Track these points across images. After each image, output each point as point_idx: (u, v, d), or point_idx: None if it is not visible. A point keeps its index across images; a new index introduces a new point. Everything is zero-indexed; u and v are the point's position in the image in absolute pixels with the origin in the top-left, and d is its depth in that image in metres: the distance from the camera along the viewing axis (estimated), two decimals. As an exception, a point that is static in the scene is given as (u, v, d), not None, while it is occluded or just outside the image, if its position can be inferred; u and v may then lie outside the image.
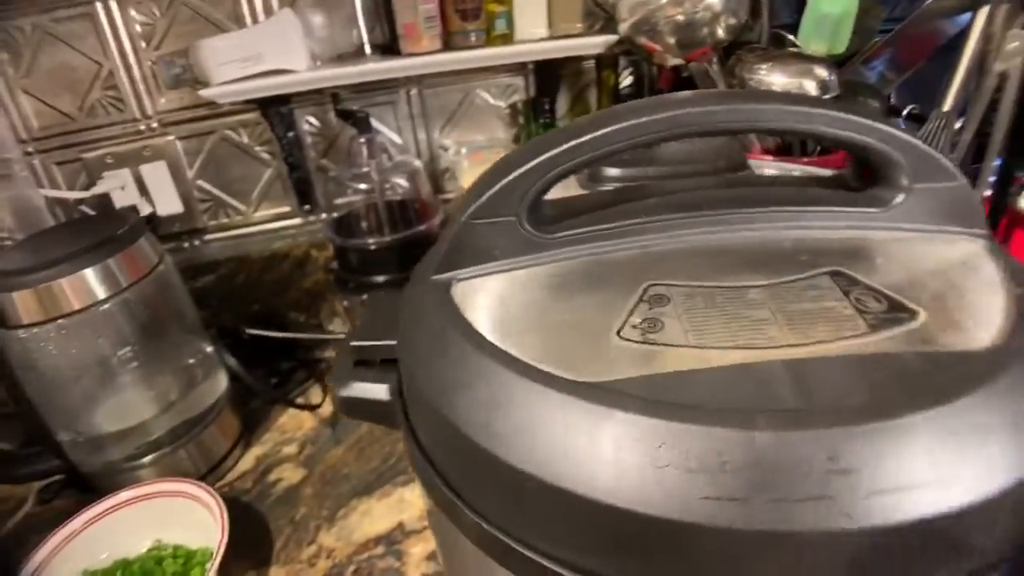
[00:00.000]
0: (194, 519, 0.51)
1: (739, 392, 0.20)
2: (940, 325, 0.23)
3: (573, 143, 0.27)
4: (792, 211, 0.28)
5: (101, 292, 0.51)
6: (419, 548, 0.51)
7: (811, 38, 0.68)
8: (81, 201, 0.73)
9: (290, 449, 0.64)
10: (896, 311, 0.23)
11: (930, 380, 0.20)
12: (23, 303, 0.49)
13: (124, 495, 0.53)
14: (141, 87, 0.71)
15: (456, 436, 0.22)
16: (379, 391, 0.30)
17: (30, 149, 0.72)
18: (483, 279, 0.28)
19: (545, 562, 0.21)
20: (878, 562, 0.18)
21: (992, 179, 0.65)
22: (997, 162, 0.65)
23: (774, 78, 0.59)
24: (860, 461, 0.18)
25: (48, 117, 0.71)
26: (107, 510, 0.53)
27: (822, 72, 0.59)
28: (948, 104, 0.66)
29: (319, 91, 0.72)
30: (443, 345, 0.25)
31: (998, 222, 0.65)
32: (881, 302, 0.24)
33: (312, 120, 0.76)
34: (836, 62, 0.70)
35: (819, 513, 0.18)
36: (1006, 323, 0.22)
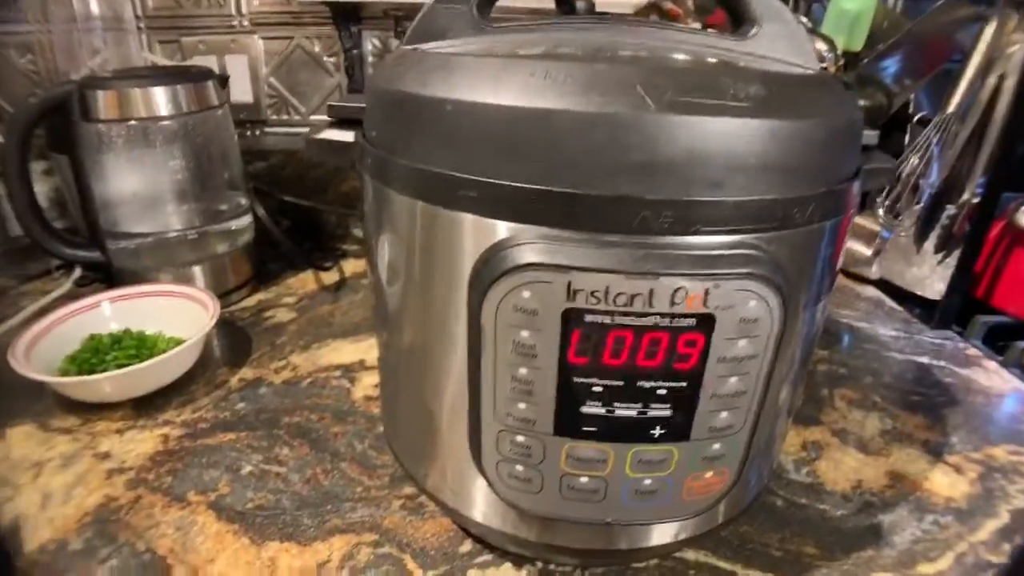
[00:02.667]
0: (195, 320, 0.59)
1: (594, 54, 0.27)
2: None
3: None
4: (676, 31, 0.34)
5: (166, 109, 0.61)
6: (369, 379, 0.58)
7: (831, 32, 0.73)
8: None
9: (289, 299, 0.73)
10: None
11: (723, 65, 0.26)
12: (105, 102, 0.59)
13: (143, 288, 0.63)
14: (241, -13, 0.84)
15: (400, 100, 0.29)
16: (345, 135, 0.38)
17: (141, 25, 0.85)
18: (440, 47, 0.35)
19: (456, 174, 0.27)
20: (669, 149, 0.24)
21: (979, 189, 0.68)
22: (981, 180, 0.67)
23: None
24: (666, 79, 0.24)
25: (160, 0, 0.84)
26: (125, 295, 0.62)
27: (821, 44, 0.64)
28: (951, 107, 0.70)
29: (386, 15, 0.82)
30: (399, 59, 0.32)
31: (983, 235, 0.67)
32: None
33: (376, 41, 0.86)
34: (853, 57, 0.75)
35: (632, 102, 0.24)
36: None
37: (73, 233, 0.70)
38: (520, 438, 0.29)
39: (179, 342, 0.59)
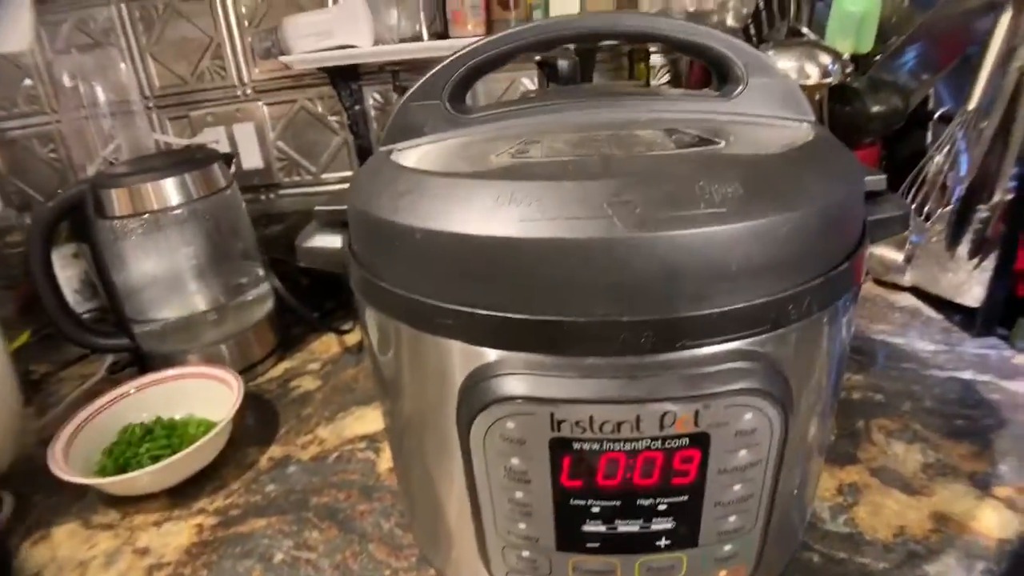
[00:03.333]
0: (223, 400, 0.61)
1: (562, 169, 0.27)
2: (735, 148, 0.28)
3: (484, 43, 0.34)
4: (656, 98, 0.33)
5: (176, 199, 0.63)
6: (396, 447, 0.58)
7: (837, 36, 0.70)
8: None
9: (314, 366, 0.74)
10: (705, 143, 0.28)
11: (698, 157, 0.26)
12: (118, 199, 0.61)
13: (170, 372, 0.65)
14: (240, 59, 0.86)
15: (375, 224, 0.29)
16: (334, 241, 0.38)
17: (150, 104, 0.88)
18: (415, 147, 0.35)
19: (432, 302, 0.27)
20: (644, 268, 0.24)
21: (1012, 184, 0.64)
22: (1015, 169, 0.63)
23: (778, 60, 0.62)
24: (635, 194, 0.24)
25: (167, 79, 0.87)
26: (152, 382, 0.64)
27: (825, 58, 0.62)
28: (973, 102, 0.66)
29: (382, 70, 0.83)
30: (373, 173, 0.32)
31: (1019, 234, 0.63)
32: (694, 139, 0.29)
33: (376, 96, 0.87)
34: (863, 59, 0.72)
35: (601, 225, 0.23)
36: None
37: (104, 313, 0.72)
38: (526, 552, 0.29)
39: (209, 424, 0.61)
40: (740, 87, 0.33)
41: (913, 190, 0.72)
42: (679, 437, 0.24)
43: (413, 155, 0.34)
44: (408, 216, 0.27)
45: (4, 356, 0.57)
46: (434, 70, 0.35)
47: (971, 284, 0.69)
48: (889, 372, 0.63)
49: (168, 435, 0.58)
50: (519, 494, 0.27)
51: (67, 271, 0.88)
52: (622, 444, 0.25)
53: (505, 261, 0.25)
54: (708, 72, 0.76)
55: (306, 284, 0.85)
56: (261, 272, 0.74)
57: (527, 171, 0.27)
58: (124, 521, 0.54)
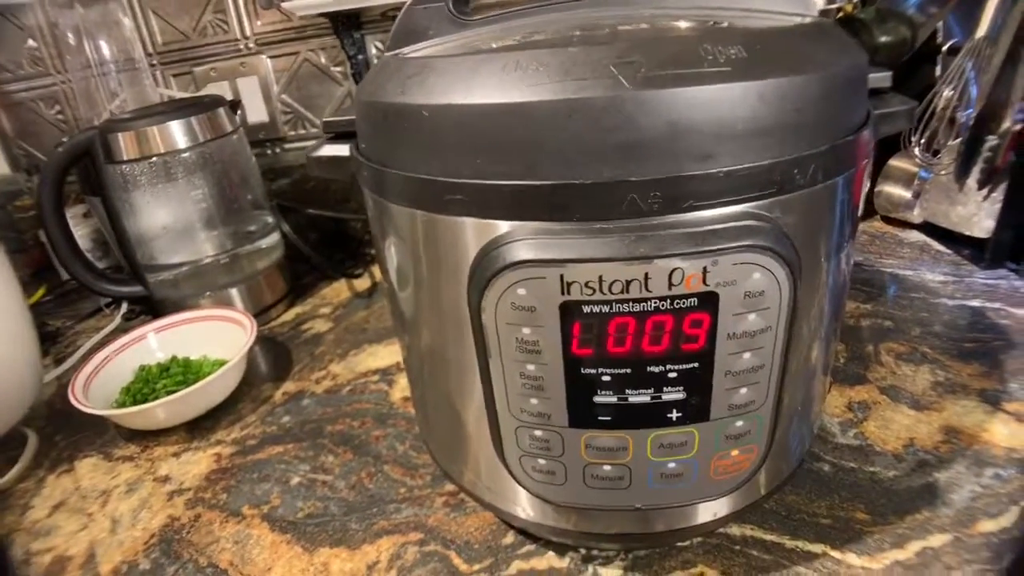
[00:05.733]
0: (237, 341, 0.61)
1: (567, 40, 0.27)
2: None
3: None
4: None
5: (183, 142, 0.63)
6: (406, 380, 0.59)
7: (844, -32, 0.69)
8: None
9: (325, 310, 0.75)
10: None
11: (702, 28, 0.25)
12: (125, 143, 0.62)
13: (186, 315, 0.65)
14: (243, 11, 0.85)
15: (382, 110, 0.29)
16: (342, 149, 0.38)
17: (153, 61, 0.88)
18: (420, 49, 0.35)
19: (442, 179, 0.27)
20: (650, 126, 0.24)
21: (1021, 113, 0.63)
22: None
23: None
24: (640, 55, 0.24)
25: (169, 34, 0.87)
26: (168, 324, 0.65)
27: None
28: (982, 30, 0.65)
29: (384, 16, 0.82)
30: (380, 69, 0.32)
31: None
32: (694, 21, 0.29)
33: (378, 44, 0.87)
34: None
35: (607, 83, 0.23)
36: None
37: (116, 270, 0.73)
38: (538, 432, 0.29)
39: (222, 364, 0.61)
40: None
41: (921, 125, 0.71)
42: (688, 297, 0.25)
43: (418, 55, 0.34)
44: (415, 95, 0.27)
45: (23, 306, 0.58)
46: (438, -28, 0.34)
47: (981, 216, 0.69)
48: (899, 301, 0.63)
49: (184, 372, 0.59)
50: (531, 367, 0.27)
51: (78, 230, 0.89)
52: (631, 306, 0.25)
53: (513, 127, 0.25)
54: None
55: (314, 238, 0.86)
56: (271, 220, 0.75)
57: (533, 45, 0.28)
58: (144, 453, 0.55)
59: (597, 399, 0.27)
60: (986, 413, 0.47)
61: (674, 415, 0.28)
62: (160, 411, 0.55)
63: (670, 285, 0.24)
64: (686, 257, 0.24)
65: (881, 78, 0.36)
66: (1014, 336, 0.56)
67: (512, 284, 0.25)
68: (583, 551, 0.40)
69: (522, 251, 0.25)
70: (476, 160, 0.26)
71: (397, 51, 0.36)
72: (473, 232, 0.27)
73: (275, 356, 0.66)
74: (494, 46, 0.29)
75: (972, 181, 0.68)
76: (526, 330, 0.26)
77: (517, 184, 0.25)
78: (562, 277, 0.25)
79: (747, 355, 0.27)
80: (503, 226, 0.26)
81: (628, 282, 0.24)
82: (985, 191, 0.67)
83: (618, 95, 0.23)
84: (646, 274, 0.24)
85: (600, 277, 0.24)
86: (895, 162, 0.77)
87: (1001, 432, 0.45)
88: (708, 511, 0.34)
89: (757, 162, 0.25)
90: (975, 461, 0.43)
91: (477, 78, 0.26)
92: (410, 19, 0.35)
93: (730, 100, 0.24)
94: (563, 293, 0.25)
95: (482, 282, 0.26)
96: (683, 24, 0.30)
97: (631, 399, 0.27)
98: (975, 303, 0.61)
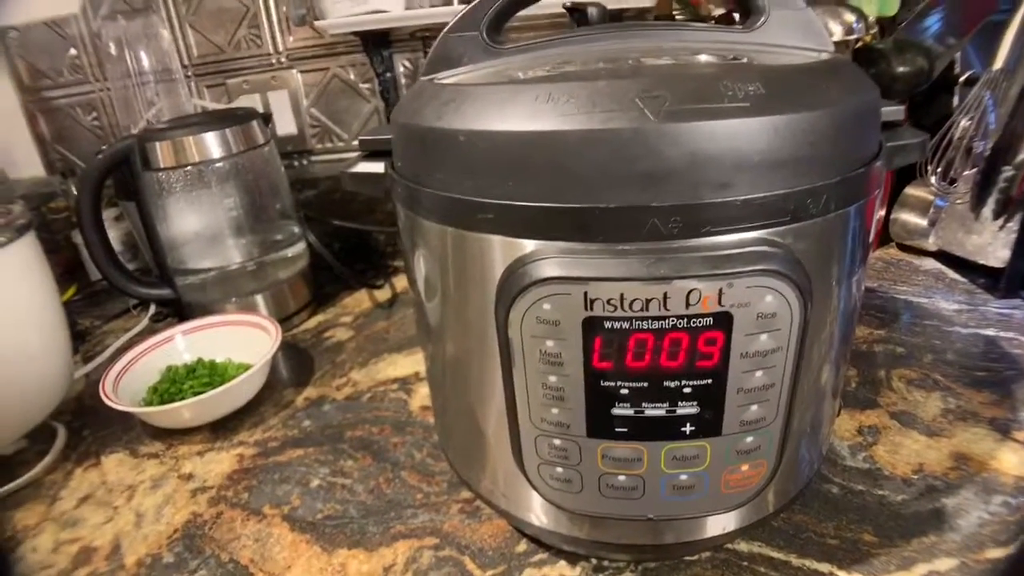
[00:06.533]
0: (261, 346, 0.63)
1: (595, 73, 0.29)
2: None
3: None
4: (682, 29, 0.35)
5: (217, 152, 0.66)
6: (425, 389, 0.61)
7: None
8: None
9: (346, 319, 0.77)
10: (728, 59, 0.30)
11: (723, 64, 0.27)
12: (162, 151, 0.65)
13: (211, 319, 0.68)
14: (276, 27, 0.88)
15: (420, 134, 0.31)
16: (377, 167, 0.40)
17: (189, 73, 0.91)
18: (455, 75, 0.37)
19: (475, 199, 0.28)
20: (672, 156, 0.25)
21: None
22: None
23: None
24: (664, 90, 0.25)
25: (205, 48, 0.90)
26: (196, 327, 0.67)
27: (849, 17, 0.62)
28: (999, 62, 0.67)
29: (413, 36, 0.85)
30: (417, 94, 0.34)
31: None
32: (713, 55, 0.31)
33: (407, 63, 0.89)
34: (890, 22, 0.72)
35: (633, 116, 0.25)
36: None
37: (145, 273, 0.76)
38: (557, 441, 0.31)
39: (247, 367, 0.63)
40: (762, 18, 0.35)
41: (938, 154, 0.72)
42: (703, 316, 0.26)
43: (453, 80, 0.36)
44: (452, 121, 0.29)
45: (58, 304, 0.60)
46: (474, 2, 0.36)
47: (996, 245, 0.69)
48: (912, 328, 0.63)
49: (210, 374, 0.61)
50: (552, 378, 0.29)
51: (110, 233, 0.91)
52: (650, 323, 0.26)
53: (543, 154, 0.27)
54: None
55: (338, 248, 0.88)
56: (297, 230, 0.77)
57: (563, 77, 0.29)
58: (169, 451, 0.57)
59: (615, 411, 0.29)
60: (996, 441, 0.48)
61: (688, 429, 0.29)
62: (186, 411, 0.57)
63: (687, 305, 0.26)
64: (703, 279, 0.25)
65: (894, 112, 0.37)
66: (1027, 366, 0.56)
67: (538, 299, 0.27)
68: (594, 561, 0.41)
69: (548, 269, 0.27)
70: (507, 182, 0.28)
71: (432, 76, 0.38)
72: (500, 249, 0.29)
73: (297, 362, 0.68)
74: (525, 76, 0.31)
75: (988, 211, 0.69)
76: (550, 343, 0.28)
77: (545, 206, 0.27)
78: (586, 294, 0.26)
79: (759, 373, 0.28)
80: (530, 244, 0.28)
81: (648, 300, 0.26)
82: (1000, 221, 0.68)
83: (643, 127, 0.25)
84: (665, 294, 0.26)
85: (622, 295, 0.26)
86: (911, 190, 0.78)
87: (1011, 460, 0.46)
88: (717, 525, 0.35)
89: (772, 191, 0.26)
90: (984, 488, 0.44)
91: (511, 107, 0.28)
92: (446, 46, 0.37)
93: (748, 134, 0.25)
94: (586, 309, 0.26)
95: (509, 297, 0.28)
96: (704, 59, 0.31)
97: (647, 412, 0.29)
98: (989, 332, 0.62)
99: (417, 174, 0.33)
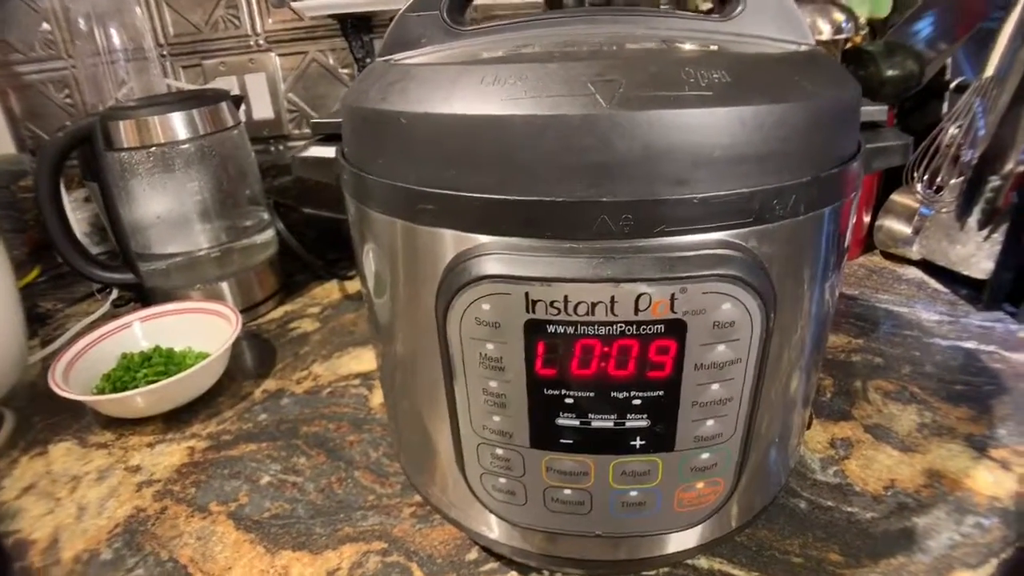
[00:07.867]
0: (222, 335, 0.61)
1: (548, 56, 0.27)
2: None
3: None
4: (655, 15, 0.33)
5: (183, 133, 0.63)
6: (389, 386, 0.58)
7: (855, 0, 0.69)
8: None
9: (314, 310, 0.74)
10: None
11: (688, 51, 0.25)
12: (126, 131, 0.62)
13: (172, 306, 0.65)
14: (255, 8, 0.86)
15: (364, 116, 0.29)
16: (328, 151, 0.38)
17: (164, 52, 0.89)
18: (411, 57, 0.35)
19: (416, 188, 0.27)
20: (625, 147, 0.23)
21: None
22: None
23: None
24: (620, 75, 0.23)
25: (181, 27, 0.87)
26: (155, 314, 0.64)
27: (839, 16, 0.60)
28: (990, 70, 0.65)
29: (395, 22, 0.82)
30: (367, 75, 0.32)
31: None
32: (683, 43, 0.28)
33: (387, 49, 0.87)
34: (881, 25, 0.70)
35: (583, 101, 0.23)
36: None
37: (114, 257, 0.73)
38: (499, 451, 0.29)
39: (205, 356, 0.61)
40: (739, 7, 0.33)
41: (925, 161, 0.71)
42: (654, 323, 0.24)
43: (407, 61, 0.33)
44: (395, 103, 0.27)
45: (11, 286, 0.58)
46: (433, -20, 0.34)
47: (980, 256, 0.68)
48: (891, 338, 0.62)
49: (166, 362, 0.59)
50: (494, 384, 0.27)
51: (78, 214, 0.89)
52: (596, 328, 0.24)
53: (487, 140, 0.25)
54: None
55: (311, 237, 0.86)
56: (267, 217, 0.75)
57: (517, 58, 0.27)
58: (119, 441, 0.55)
59: (560, 421, 0.27)
60: (971, 459, 0.46)
61: (637, 443, 0.27)
62: (139, 400, 0.54)
63: (636, 310, 0.24)
64: (653, 283, 0.23)
65: (876, 111, 0.35)
66: (1006, 381, 0.55)
67: (477, 299, 0.25)
68: (546, 573, 0.39)
69: (488, 266, 0.24)
70: (450, 171, 0.26)
71: (388, 57, 0.36)
72: (445, 244, 0.27)
73: (259, 353, 0.66)
74: (480, 58, 0.29)
75: (973, 221, 0.67)
76: (490, 346, 0.26)
77: (488, 197, 0.25)
78: (527, 295, 0.24)
79: (715, 386, 0.26)
80: (474, 239, 0.26)
81: (594, 304, 0.24)
82: (986, 232, 0.67)
83: (593, 114, 0.23)
84: (612, 297, 0.24)
85: (566, 297, 0.24)
86: (897, 197, 0.77)
87: (985, 479, 0.44)
88: (674, 542, 0.33)
89: (734, 190, 0.24)
90: (956, 508, 0.42)
91: (455, 88, 0.25)
92: (403, 26, 0.35)
93: (709, 125, 0.23)
94: (528, 311, 0.24)
95: (448, 294, 0.26)
96: (673, 45, 0.29)
97: (594, 423, 0.27)
98: (969, 345, 0.60)
99: (363, 160, 0.30)
